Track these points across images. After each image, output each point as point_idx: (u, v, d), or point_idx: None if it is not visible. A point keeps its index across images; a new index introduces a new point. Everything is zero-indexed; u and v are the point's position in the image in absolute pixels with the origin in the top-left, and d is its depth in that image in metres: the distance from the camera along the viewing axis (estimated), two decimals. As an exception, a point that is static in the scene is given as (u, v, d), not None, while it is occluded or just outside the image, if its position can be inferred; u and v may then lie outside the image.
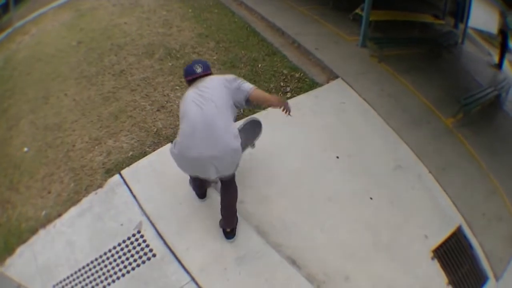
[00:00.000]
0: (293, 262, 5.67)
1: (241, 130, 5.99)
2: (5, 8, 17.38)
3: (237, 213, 5.74)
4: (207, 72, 5.31)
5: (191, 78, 5.26)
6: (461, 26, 16.65)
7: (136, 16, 12.02)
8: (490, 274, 6.69)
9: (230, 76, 5.20)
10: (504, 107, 12.27)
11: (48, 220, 6.54)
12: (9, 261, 6.47)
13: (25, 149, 8.21)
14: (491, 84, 12.26)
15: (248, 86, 5.10)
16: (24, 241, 6.51)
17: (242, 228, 5.86)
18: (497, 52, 16.12)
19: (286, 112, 5.28)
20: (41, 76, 10.47)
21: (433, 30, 15.81)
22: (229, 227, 5.68)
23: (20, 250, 6.46)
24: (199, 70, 5.27)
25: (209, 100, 4.85)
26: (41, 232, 6.46)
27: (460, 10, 17.09)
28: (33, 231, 6.54)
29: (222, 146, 4.75)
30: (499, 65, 15.72)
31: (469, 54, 15.58)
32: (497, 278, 6.68)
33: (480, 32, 17.93)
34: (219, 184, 5.59)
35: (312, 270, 5.68)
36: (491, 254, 6.86)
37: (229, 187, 5.40)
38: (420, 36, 14.05)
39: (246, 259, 5.57)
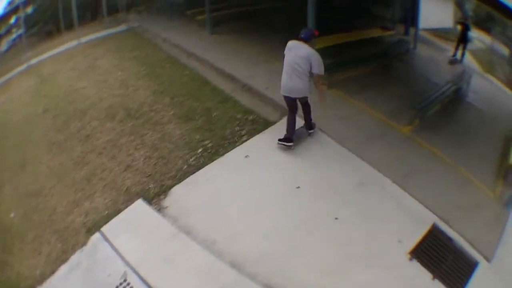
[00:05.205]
0: (272, 288, 6.11)
1: None
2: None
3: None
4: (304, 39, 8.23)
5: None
6: (413, 31, 17.02)
7: (94, 79, 12.77)
8: (480, 258, 7.00)
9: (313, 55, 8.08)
10: (467, 99, 12.86)
11: (43, 278, 7.14)
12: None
13: (12, 214, 8.90)
14: (449, 81, 12.64)
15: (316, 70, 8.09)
16: (25, 298, 7.12)
17: (217, 264, 6.34)
18: (455, 45, 16.59)
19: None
20: (15, 143, 11.23)
21: (382, 42, 16.24)
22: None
23: (23, 306, 7.06)
24: (302, 35, 8.27)
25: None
26: (39, 290, 7.10)
27: (409, 15, 17.45)
28: (32, 288, 7.18)
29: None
30: (462, 58, 16.37)
31: (423, 57, 15.99)
32: (488, 259, 7.00)
33: (435, 31, 18.49)
34: None
35: (293, 290, 6.10)
36: (475, 240, 7.14)
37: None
38: (368, 53, 14.11)
39: (225, 291, 6.04)
